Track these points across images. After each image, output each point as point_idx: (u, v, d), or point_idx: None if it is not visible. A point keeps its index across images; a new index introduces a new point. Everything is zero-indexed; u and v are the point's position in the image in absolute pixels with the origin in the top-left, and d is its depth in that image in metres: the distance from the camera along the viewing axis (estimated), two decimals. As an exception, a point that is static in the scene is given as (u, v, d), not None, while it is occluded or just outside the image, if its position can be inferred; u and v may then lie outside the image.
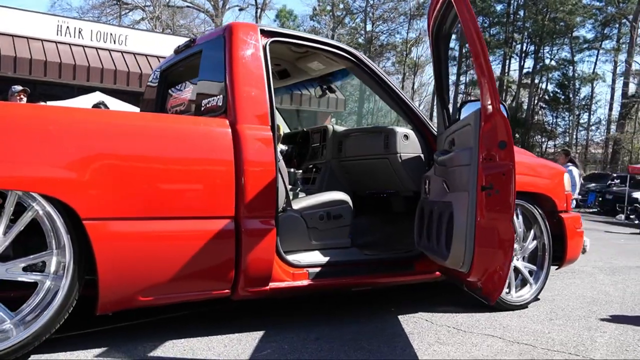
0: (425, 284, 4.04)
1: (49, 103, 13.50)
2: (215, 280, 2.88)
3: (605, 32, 34.14)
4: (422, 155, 3.64)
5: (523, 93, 38.38)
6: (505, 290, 3.69)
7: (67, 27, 18.10)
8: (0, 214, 2.48)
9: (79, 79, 17.58)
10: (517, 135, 32.73)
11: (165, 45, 19.18)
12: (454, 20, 3.17)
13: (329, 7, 43.25)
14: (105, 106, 7.78)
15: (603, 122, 35.05)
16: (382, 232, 3.87)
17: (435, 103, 3.70)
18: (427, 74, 48.90)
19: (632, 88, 29.51)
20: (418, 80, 45.57)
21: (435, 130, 3.64)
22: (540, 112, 37.84)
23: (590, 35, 35.39)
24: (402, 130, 3.68)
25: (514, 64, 38.05)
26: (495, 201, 2.63)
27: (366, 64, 3.54)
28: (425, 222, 3.22)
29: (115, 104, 11.87)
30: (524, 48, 36.98)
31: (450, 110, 3.50)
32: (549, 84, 37.40)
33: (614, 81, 33.46)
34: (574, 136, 36.10)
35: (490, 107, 2.67)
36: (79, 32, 18.22)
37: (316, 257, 3.29)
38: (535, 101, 37.14)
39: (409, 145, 3.65)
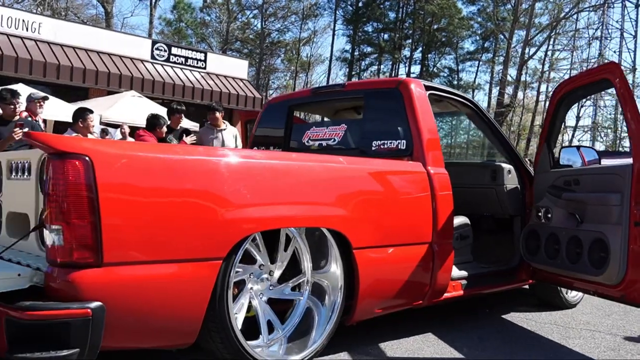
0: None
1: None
2: (417, 293, 3.56)
3: (485, 45, 37.78)
4: (518, 186, 4.53)
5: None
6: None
7: (-24, 11, 16.84)
8: (275, 248, 2.98)
9: (-8, 67, 16.47)
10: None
11: (80, 35, 18.50)
12: (593, 88, 4.05)
13: (220, 0, 43.02)
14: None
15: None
16: (484, 248, 4.70)
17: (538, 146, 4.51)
18: (317, 73, 50.27)
19: (506, 98, 32.94)
20: (305, 79, 46.79)
21: (527, 165, 4.56)
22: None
23: (472, 47, 38.91)
24: (507, 166, 4.53)
25: (402, 69, 40.52)
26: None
27: (483, 112, 4.36)
28: (543, 243, 4.09)
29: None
30: (412, 55, 39.62)
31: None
32: (432, 89, 40.33)
33: (490, 90, 37.18)
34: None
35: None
36: (-11, 17, 17.02)
37: (459, 272, 4.05)
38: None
39: (511, 178, 4.52)
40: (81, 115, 5.88)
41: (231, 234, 2.59)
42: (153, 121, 6.77)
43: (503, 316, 4.43)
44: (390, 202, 3.37)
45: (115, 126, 13.36)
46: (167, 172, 2.44)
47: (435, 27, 38.15)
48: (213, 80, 21.82)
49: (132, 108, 14.96)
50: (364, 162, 3.41)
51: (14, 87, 13.49)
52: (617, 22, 35.76)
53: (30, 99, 6.76)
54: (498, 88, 34.92)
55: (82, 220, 2.20)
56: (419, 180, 3.55)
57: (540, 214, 4.17)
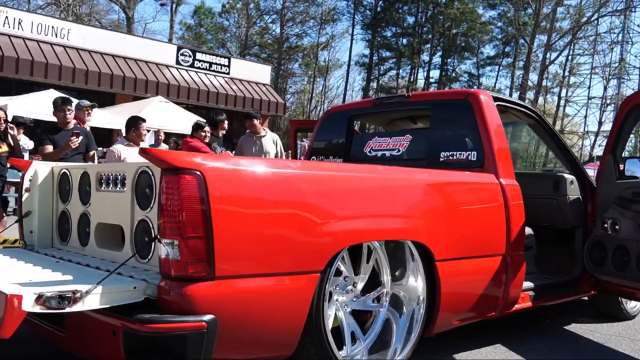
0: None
1: None
2: (491, 305, 3.57)
3: (506, 50, 37.64)
4: (580, 197, 4.52)
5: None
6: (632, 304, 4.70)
7: (7, 17, 17.10)
8: (357, 260, 3.01)
9: (22, 73, 16.71)
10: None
11: (107, 41, 18.70)
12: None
13: (239, 5, 43.24)
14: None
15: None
16: (545, 259, 4.69)
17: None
18: (334, 77, 50.33)
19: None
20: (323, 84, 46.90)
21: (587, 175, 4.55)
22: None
23: (492, 52, 38.80)
24: (569, 176, 4.52)
25: (421, 74, 40.51)
26: None
27: (546, 123, 4.36)
28: (609, 254, 4.07)
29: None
30: (431, 59, 39.58)
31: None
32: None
33: (511, 95, 36.96)
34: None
35: None
36: (19, 23, 17.28)
37: (527, 283, 4.04)
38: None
39: (573, 189, 4.51)
40: (134, 123, 5.95)
41: (329, 247, 2.63)
42: (194, 126, 6.82)
43: (565, 327, 4.42)
44: (468, 214, 3.39)
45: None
46: (274, 186, 2.48)
47: (455, 31, 38.09)
48: (236, 86, 21.94)
49: (160, 113, 15.08)
50: (443, 174, 3.43)
51: (45, 92, 13.72)
52: (638, 26, 35.49)
53: (78, 107, 6.85)
54: (518, 93, 34.77)
55: (197, 234, 2.24)
56: (493, 192, 3.55)
57: (606, 225, 4.15)
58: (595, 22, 34.04)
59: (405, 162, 4.01)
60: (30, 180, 3.43)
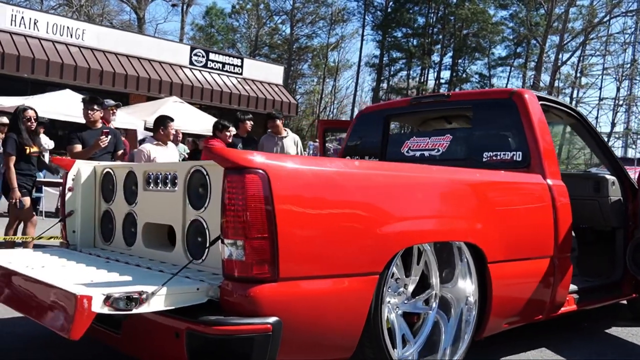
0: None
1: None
2: (540, 308, 3.50)
3: (517, 50, 37.50)
4: (621, 198, 4.45)
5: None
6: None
7: (22, 17, 17.17)
8: (408, 261, 2.95)
9: (37, 73, 16.77)
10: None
11: (122, 41, 18.73)
12: None
13: (249, 6, 43.27)
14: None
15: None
16: (585, 261, 4.62)
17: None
18: (344, 78, 50.26)
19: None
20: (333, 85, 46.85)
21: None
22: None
23: (504, 53, 38.65)
24: (611, 178, 4.45)
25: (432, 75, 40.41)
26: None
27: (589, 123, 4.29)
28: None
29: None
30: (442, 60, 39.49)
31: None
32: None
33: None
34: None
35: None
36: (35, 23, 17.33)
37: (571, 285, 3.97)
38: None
39: (615, 190, 4.43)
40: (162, 122, 5.92)
41: (389, 248, 2.58)
42: (219, 126, 6.73)
43: (606, 331, 4.34)
44: (518, 215, 3.33)
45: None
46: (337, 185, 2.43)
47: (466, 32, 37.96)
48: (249, 86, 21.94)
49: (175, 114, 15.03)
50: (495, 174, 3.37)
51: (61, 92, 13.73)
52: (651, 26, 35.25)
53: (103, 107, 6.83)
54: (530, 93, 34.55)
55: (262, 234, 2.20)
56: (541, 192, 3.49)
57: (653, 227, 4.08)
58: (608, 22, 33.83)
59: (445, 163, 3.94)
60: (73, 180, 3.40)
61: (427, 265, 3.12)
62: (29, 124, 5.48)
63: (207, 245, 2.52)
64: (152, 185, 3.00)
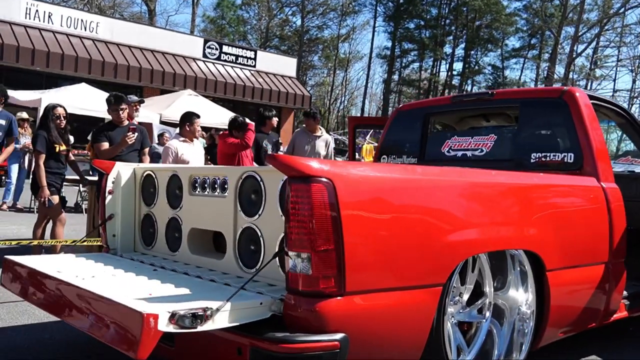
0: None
1: (20, 92, 12.85)
2: (594, 315, 3.38)
3: (531, 42, 37.11)
4: (670, 198, 4.31)
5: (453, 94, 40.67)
6: None
7: (37, 10, 17.10)
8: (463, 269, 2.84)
9: (52, 67, 16.71)
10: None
11: (135, 34, 18.63)
12: None
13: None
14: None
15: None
16: (633, 264, 4.49)
17: None
18: (355, 70, 49.96)
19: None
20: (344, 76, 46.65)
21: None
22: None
23: (517, 44, 38.27)
24: (660, 177, 4.34)
25: (444, 66, 40.09)
26: None
27: (637, 121, 4.14)
28: None
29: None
30: (454, 51, 39.14)
31: None
32: (475, 87, 39.90)
33: (536, 86, 36.49)
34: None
35: None
36: (49, 16, 17.26)
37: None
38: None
39: (664, 190, 4.32)
40: (189, 119, 5.81)
41: (453, 258, 2.46)
42: (235, 124, 6.44)
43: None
44: (574, 221, 3.20)
45: (175, 125, 13.34)
46: (404, 194, 2.32)
47: (478, 23, 37.60)
48: (262, 78, 21.81)
49: (190, 107, 14.94)
50: (551, 178, 3.24)
51: (77, 86, 13.65)
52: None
53: (127, 103, 6.74)
54: (544, 85, 34.24)
55: (329, 246, 2.09)
56: (596, 196, 3.36)
57: None
58: (623, 13, 33.37)
59: (489, 163, 3.82)
60: (113, 182, 3.30)
61: (481, 273, 3.00)
62: (59, 121, 5.40)
63: (267, 258, 2.42)
64: (199, 189, 2.90)
